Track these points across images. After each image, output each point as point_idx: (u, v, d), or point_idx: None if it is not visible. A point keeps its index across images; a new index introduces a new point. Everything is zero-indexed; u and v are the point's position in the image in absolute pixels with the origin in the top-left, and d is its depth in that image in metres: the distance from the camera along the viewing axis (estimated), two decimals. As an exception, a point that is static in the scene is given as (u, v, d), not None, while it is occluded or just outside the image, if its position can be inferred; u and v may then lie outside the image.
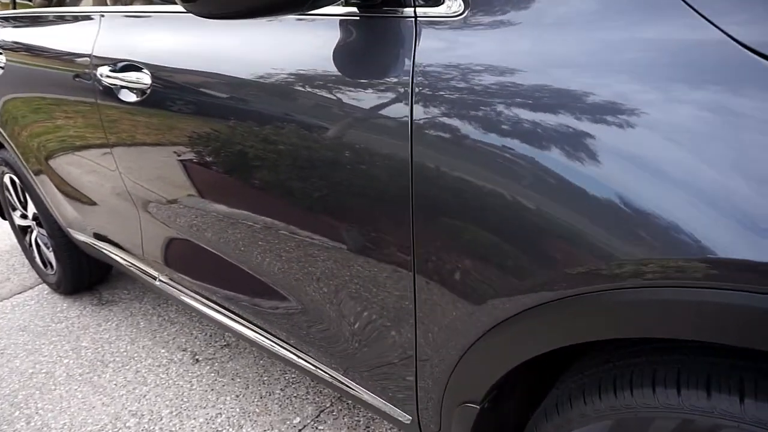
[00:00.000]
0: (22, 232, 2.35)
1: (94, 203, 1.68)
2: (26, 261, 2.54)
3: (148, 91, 1.16)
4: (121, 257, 1.74)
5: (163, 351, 1.85)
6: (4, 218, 2.47)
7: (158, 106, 1.15)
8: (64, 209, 1.86)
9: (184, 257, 1.42)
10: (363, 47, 0.80)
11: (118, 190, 1.47)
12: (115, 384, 1.71)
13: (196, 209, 1.21)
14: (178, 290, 1.51)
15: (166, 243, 1.44)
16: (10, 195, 2.24)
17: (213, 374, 1.71)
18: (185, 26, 1.11)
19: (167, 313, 2.10)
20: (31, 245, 2.32)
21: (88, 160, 1.53)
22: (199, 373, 1.72)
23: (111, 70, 1.27)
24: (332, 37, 0.82)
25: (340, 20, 0.82)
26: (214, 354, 1.81)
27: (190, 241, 1.32)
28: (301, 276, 1.03)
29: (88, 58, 1.36)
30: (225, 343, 1.87)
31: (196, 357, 1.80)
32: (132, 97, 1.22)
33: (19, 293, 2.33)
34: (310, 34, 0.86)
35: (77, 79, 1.40)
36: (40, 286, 2.38)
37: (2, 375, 1.79)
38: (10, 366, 1.84)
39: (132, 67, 1.21)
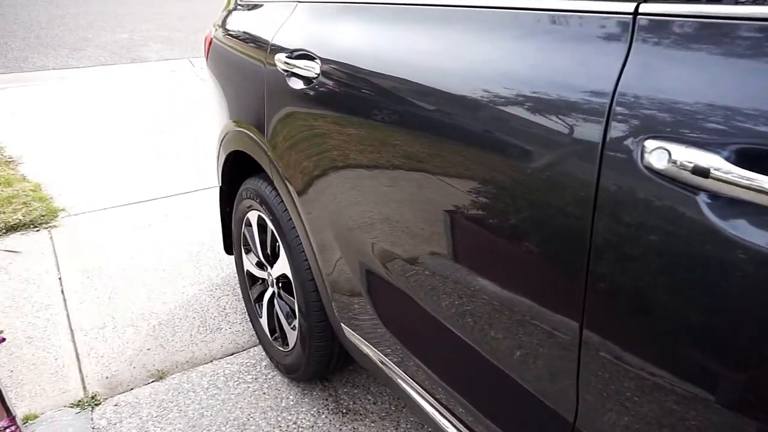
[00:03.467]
0: (249, 280, 1.83)
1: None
2: (240, 307, 2.05)
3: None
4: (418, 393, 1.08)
5: None
6: (229, 252, 2.00)
7: None
8: (349, 301, 1.26)
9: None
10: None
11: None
12: None
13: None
14: None
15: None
16: (251, 237, 1.72)
17: None
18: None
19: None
20: (258, 302, 1.80)
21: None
22: None
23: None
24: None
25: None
26: None
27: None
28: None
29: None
30: None
31: None
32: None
33: (232, 355, 1.82)
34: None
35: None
36: (257, 349, 1.85)
37: None
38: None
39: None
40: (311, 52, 1.19)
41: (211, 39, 1.83)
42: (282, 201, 1.45)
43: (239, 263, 1.87)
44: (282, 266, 1.53)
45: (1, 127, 3.69)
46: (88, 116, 3.97)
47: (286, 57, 1.26)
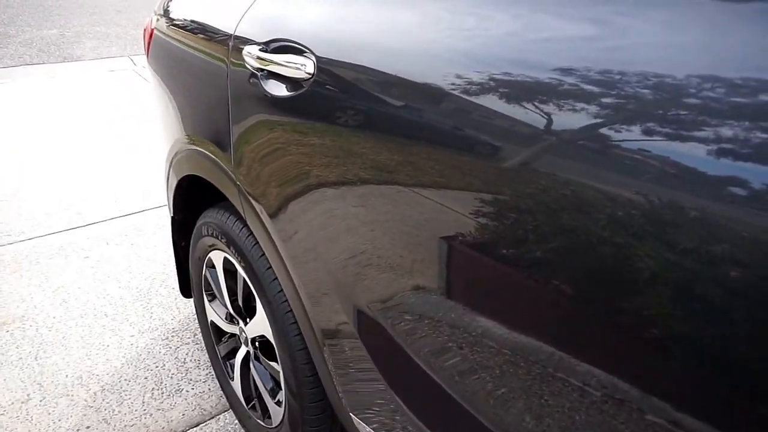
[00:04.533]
0: (216, 334, 1.47)
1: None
2: (204, 358, 1.68)
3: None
4: None
5: None
6: (186, 296, 1.62)
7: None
8: (362, 383, 0.92)
9: None
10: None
11: None
12: None
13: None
14: None
15: None
16: (215, 282, 1.36)
17: None
18: None
19: None
20: (228, 360, 1.44)
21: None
22: None
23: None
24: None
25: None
26: None
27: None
28: None
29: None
30: None
31: None
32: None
33: (197, 426, 1.46)
34: None
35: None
36: (228, 415, 1.49)
37: None
38: None
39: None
40: (299, 44, 0.85)
41: (152, 31, 1.44)
42: (257, 243, 1.10)
43: (200, 311, 1.51)
44: (259, 326, 1.18)
45: None
46: (11, 125, 3.43)
47: (260, 51, 0.91)
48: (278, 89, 0.88)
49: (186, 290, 1.60)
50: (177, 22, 1.28)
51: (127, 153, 3.09)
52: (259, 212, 1.00)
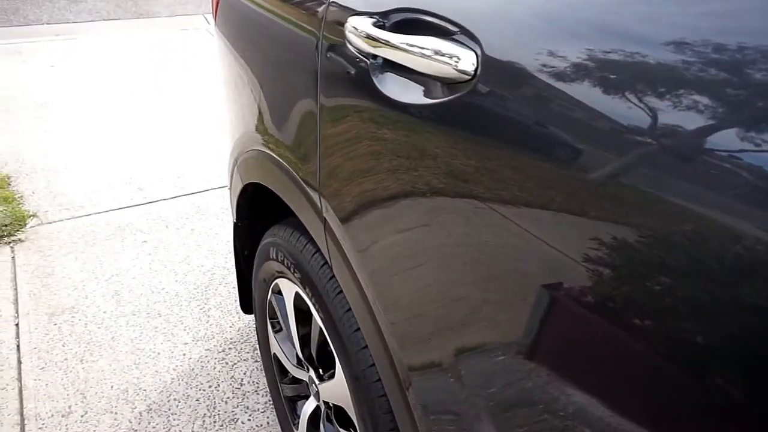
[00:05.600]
0: (279, 371, 1.21)
1: None
2: (264, 382, 1.45)
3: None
4: None
5: None
6: (247, 311, 1.38)
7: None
8: None
9: None
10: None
11: None
12: None
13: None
14: None
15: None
16: (283, 316, 1.09)
17: None
18: None
19: None
20: (292, 403, 1.19)
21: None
22: None
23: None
24: None
25: None
26: None
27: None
28: None
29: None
30: None
31: None
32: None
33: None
34: None
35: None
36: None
37: None
38: None
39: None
40: (450, 20, 0.53)
41: (223, -9, 1.16)
42: (340, 291, 0.82)
43: (262, 337, 1.26)
44: (337, 391, 0.91)
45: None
46: (77, 84, 3.32)
47: (373, 26, 0.61)
48: (404, 90, 0.58)
49: (247, 306, 1.37)
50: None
51: (193, 123, 2.90)
52: (351, 252, 0.71)
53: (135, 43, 4.13)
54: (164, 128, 2.82)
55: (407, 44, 0.55)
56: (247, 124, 1.03)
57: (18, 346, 1.52)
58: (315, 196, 0.77)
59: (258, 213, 1.17)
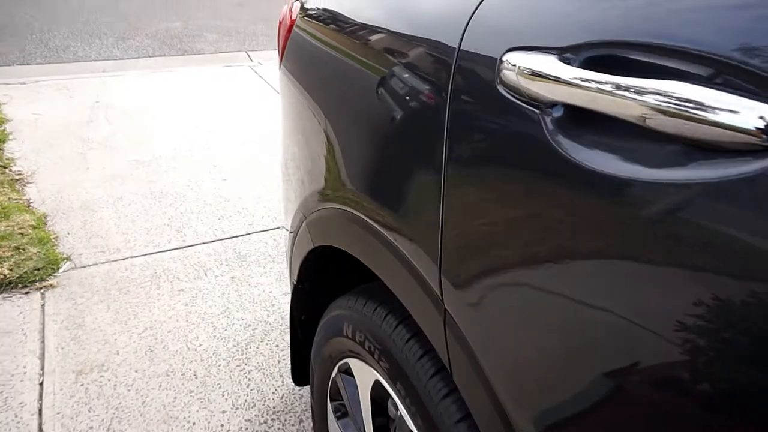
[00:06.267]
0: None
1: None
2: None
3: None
4: None
5: None
6: (300, 383, 1.20)
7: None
8: None
9: None
10: None
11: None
12: None
13: None
14: None
15: None
16: (352, 401, 0.91)
17: None
18: None
19: None
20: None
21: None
22: None
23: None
24: None
25: None
26: None
27: None
28: None
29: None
30: None
31: None
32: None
33: None
34: None
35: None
36: None
37: None
38: None
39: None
40: (718, 57, 0.34)
41: (292, 23, 1.03)
42: (447, 394, 0.63)
43: (320, 419, 1.07)
44: None
45: (17, 134, 3.04)
46: (120, 120, 3.28)
47: (560, 60, 0.44)
48: (623, 157, 0.40)
49: (300, 377, 1.18)
50: (339, 15, 0.85)
51: (236, 162, 2.79)
52: (485, 357, 0.53)
53: (180, 79, 4.13)
54: (206, 167, 2.72)
55: (658, 92, 0.36)
56: (322, 177, 0.87)
57: (40, 409, 1.36)
58: (431, 277, 0.59)
59: (322, 274, 1.00)
